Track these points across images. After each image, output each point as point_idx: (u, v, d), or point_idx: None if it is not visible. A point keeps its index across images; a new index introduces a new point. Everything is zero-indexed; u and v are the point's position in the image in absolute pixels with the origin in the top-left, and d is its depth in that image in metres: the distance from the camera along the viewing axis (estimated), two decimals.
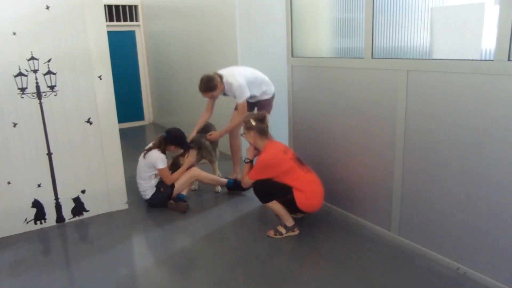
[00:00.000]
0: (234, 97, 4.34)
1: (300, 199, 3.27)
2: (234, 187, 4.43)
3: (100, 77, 3.75)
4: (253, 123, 3.37)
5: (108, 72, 3.80)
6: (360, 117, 3.36)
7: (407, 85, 2.92)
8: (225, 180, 4.43)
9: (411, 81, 2.89)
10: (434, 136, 2.80)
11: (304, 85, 3.93)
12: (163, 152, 4.02)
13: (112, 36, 7.85)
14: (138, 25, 8.23)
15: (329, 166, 3.77)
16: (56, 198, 3.77)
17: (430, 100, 2.79)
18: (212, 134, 4.48)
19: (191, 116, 6.75)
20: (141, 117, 8.66)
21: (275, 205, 3.36)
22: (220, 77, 4.28)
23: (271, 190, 3.33)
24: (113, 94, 3.86)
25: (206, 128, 4.71)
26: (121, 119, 8.26)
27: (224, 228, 3.68)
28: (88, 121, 3.77)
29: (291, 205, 3.34)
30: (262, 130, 3.39)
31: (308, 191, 3.29)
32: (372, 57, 3.17)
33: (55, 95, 3.58)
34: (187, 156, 4.18)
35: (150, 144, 4.07)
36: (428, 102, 2.81)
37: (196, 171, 4.21)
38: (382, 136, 3.19)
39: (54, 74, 3.54)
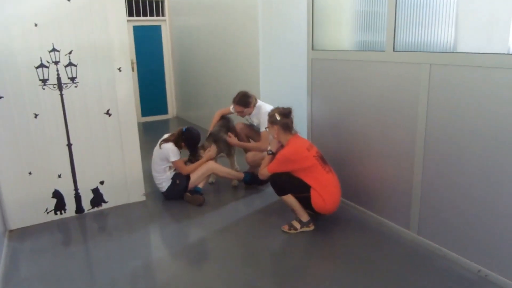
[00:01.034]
0: (257, 124, 4.45)
1: (316, 200, 3.21)
2: (251, 182, 4.40)
3: (119, 69, 3.77)
4: (278, 117, 3.31)
5: (128, 64, 3.81)
6: (380, 112, 3.26)
7: (430, 79, 2.80)
8: (242, 174, 4.40)
9: (434, 75, 2.78)
10: (457, 133, 2.69)
11: (324, 78, 3.85)
12: (178, 145, 4.01)
13: (138, 31, 7.99)
14: (164, 20, 8.29)
15: (347, 162, 3.69)
16: (76, 189, 3.83)
17: (453, 95, 2.67)
18: (233, 139, 4.45)
19: (213, 110, 6.70)
20: (164, 111, 8.73)
21: (290, 199, 3.31)
22: (256, 100, 4.36)
23: (288, 184, 3.28)
24: (132, 86, 3.88)
25: (226, 122, 4.68)
26: (145, 113, 8.47)
27: (239, 222, 3.65)
28: (107, 113, 3.80)
29: (305, 203, 3.28)
30: (286, 125, 3.32)
31: (326, 193, 3.22)
32: (393, 50, 3.07)
33: (76, 87, 3.62)
34: (208, 150, 4.19)
35: (168, 135, 4.08)
36: (451, 98, 2.69)
37: (213, 165, 4.20)
38: (402, 132, 3.09)
39: (75, 66, 3.59)
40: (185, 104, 8.33)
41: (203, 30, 6.88)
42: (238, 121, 4.75)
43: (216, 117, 4.68)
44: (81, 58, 3.60)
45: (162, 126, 8.01)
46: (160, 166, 4.01)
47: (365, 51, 3.38)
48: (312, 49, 3.94)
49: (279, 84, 5.47)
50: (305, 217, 3.35)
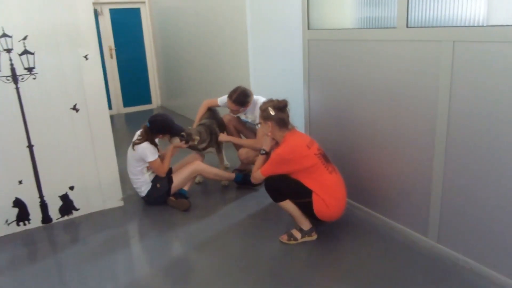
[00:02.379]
0: (252, 120, 3.99)
1: (319, 206, 2.75)
2: (244, 181, 3.93)
3: (86, 57, 3.24)
4: (272, 112, 2.82)
5: (96, 51, 3.28)
6: (391, 100, 2.78)
7: (453, 59, 2.33)
8: (232, 175, 3.91)
9: (458, 54, 2.30)
10: (486, 124, 2.23)
11: (322, 62, 3.36)
12: (152, 143, 3.50)
13: (116, 14, 7.39)
14: (143, 2, 7.67)
15: (353, 159, 3.22)
16: (41, 196, 3.33)
17: (482, 78, 2.21)
18: (224, 135, 3.98)
19: (201, 98, 6.19)
20: (148, 100, 8.17)
21: (289, 205, 2.84)
22: (252, 95, 3.88)
23: (286, 188, 2.81)
24: (102, 76, 3.34)
25: (213, 114, 4.19)
26: (127, 103, 7.92)
27: (230, 230, 3.19)
28: (74, 108, 3.28)
29: (306, 209, 2.82)
30: (282, 121, 2.84)
31: (330, 197, 2.76)
32: (407, 26, 2.58)
33: (34, 79, 3.09)
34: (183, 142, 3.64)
35: (138, 134, 3.55)
36: (479, 81, 2.22)
37: (199, 165, 3.71)
38: (419, 124, 2.62)
39: (32, 54, 3.05)
40: (170, 93, 7.79)
41: (186, 12, 6.31)
42: (224, 113, 4.25)
43: (202, 108, 4.18)
44: (39, 44, 3.06)
45: (146, 117, 7.43)
46: (136, 168, 3.51)
47: (372, 28, 2.89)
48: (308, 28, 3.43)
49: (271, 71, 4.95)
50: (306, 225, 2.89)
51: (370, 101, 2.96)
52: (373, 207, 3.17)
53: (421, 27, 2.53)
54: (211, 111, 4.20)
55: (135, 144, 3.44)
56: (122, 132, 6.87)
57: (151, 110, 8.05)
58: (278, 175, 2.83)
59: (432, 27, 2.46)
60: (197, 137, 3.70)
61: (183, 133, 3.61)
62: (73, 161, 3.37)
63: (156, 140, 3.59)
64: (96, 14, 7.20)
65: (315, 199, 2.75)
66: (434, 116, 2.50)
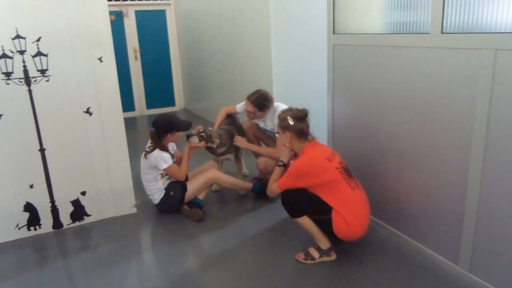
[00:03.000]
0: (271, 128, 3.78)
1: (339, 225, 2.54)
2: (262, 192, 3.74)
3: (100, 59, 3.13)
4: (291, 122, 2.63)
5: (110, 53, 3.17)
6: (422, 112, 2.55)
7: (494, 70, 2.08)
8: (250, 185, 3.74)
9: (501, 64, 2.05)
10: None
11: (348, 69, 3.14)
12: (163, 149, 3.35)
13: (141, 16, 7.36)
14: (169, 4, 7.61)
15: (378, 173, 2.99)
16: (52, 201, 3.24)
17: None
18: (241, 140, 3.77)
19: (224, 102, 6.10)
20: (171, 102, 8.11)
21: (306, 222, 2.64)
22: (272, 101, 3.68)
23: (304, 204, 2.62)
24: (117, 79, 3.24)
25: (234, 121, 4.03)
26: (150, 105, 7.86)
27: (245, 245, 3.01)
28: (88, 111, 3.18)
29: (325, 227, 2.61)
30: (301, 132, 2.65)
31: (351, 215, 2.54)
32: (441, 32, 2.34)
33: (47, 81, 3.01)
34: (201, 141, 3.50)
35: (149, 143, 3.42)
36: None
37: (215, 174, 3.55)
38: (453, 138, 2.38)
39: (45, 55, 2.96)
40: (193, 96, 7.69)
41: (210, 14, 6.19)
42: (244, 119, 4.08)
43: (221, 114, 4.01)
44: (53, 46, 2.97)
45: None
46: (149, 175, 3.39)
47: (402, 34, 2.66)
48: (334, 32, 3.22)
49: (294, 76, 4.75)
50: (325, 244, 2.68)
51: (398, 112, 2.72)
52: (398, 227, 2.93)
53: (458, 33, 2.28)
54: (231, 118, 4.05)
55: (146, 153, 3.31)
56: (144, 134, 6.80)
57: (174, 113, 7.97)
58: (296, 189, 2.64)
59: (470, 33, 2.21)
60: (217, 140, 3.55)
61: (202, 133, 3.47)
62: (85, 165, 3.27)
63: (170, 147, 3.46)
64: (121, 16, 7.18)
65: (334, 216, 2.54)
66: (470, 131, 2.25)
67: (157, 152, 3.28)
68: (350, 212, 2.55)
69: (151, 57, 7.62)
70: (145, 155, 3.33)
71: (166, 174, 3.46)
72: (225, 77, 6.04)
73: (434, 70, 2.42)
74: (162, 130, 3.32)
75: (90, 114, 3.19)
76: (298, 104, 2.80)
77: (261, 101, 3.57)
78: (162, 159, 3.28)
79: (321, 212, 2.58)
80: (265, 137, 3.99)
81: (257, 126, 3.98)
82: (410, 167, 2.71)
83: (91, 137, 3.23)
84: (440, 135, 2.45)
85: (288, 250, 2.86)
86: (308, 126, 2.67)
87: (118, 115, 3.30)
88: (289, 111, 2.68)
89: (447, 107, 2.38)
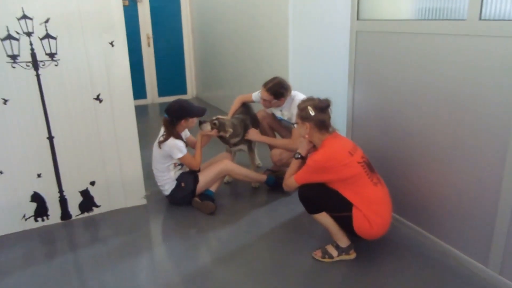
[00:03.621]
0: (288, 118, 3.55)
1: (360, 223, 2.39)
2: (276, 184, 3.60)
3: (112, 44, 3.00)
4: (311, 112, 2.46)
5: (123, 37, 3.03)
6: (454, 105, 2.37)
7: None
8: (264, 177, 3.60)
9: None
10: None
11: (372, 57, 2.96)
12: (178, 137, 3.22)
13: (155, 2, 7.18)
14: None
15: (402, 169, 2.83)
16: (60, 191, 3.14)
17: None
18: (253, 133, 3.60)
19: (236, 91, 5.94)
20: (183, 90, 7.95)
21: (325, 219, 2.50)
22: (289, 90, 3.48)
23: (323, 199, 2.47)
24: (128, 64, 3.10)
25: (249, 110, 3.88)
26: (162, 93, 7.72)
27: (258, 240, 2.87)
28: (98, 98, 3.06)
29: (345, 224, 2.47)
30: (322, 123, 2.48)
31: (373, 213, 2.39)
32: (480, 19, 2.16)
33: (56, 65, 2.88)
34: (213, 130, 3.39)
35: (162, 131, 3.28)
36: None
37: (228, 164, 3.40)
38: (487, 135, 2.20)
39: (54, 38, 2.83)
40: (206, 84, 7.54)
41: (226, 0, 6.01)
42: (259, 108, 3.93)
43: (236, 103, 3.86)
44: (62, 28, 2.84)
45: None
46: (162, 164, 3.26)
47: (435, 20, 2.47)
48: (358, 18, 3.04)
49: (312, 65, 4.57)
50: (344, 242, 2.54)
51: (426, 105, 2.55)
52: (422, 226, 2.77)
53: (498, 20, 2.10)
54: (245, 107, 3.89)
55: (160, 142, 3.18)
56: (155, 122, 6.68)
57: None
58: (314, 184, 2.49)
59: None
60: (230, 129, 3.42)
61: (215, 121, 3.34)
62: (94, 155, 3.16)
63: (183, 134, 3.33)
64: (135, 1, 7.03)
65: (355, 214, 2.39)
66: (508, 127, 2.08)
67: (171, 141, 3.15)
68: (372, 210, 2.40)
69: (164, 44, 7.46)
70: (159, 144, 3.20)
71: (180, 164, 3.33)
72: (239, 66, 5.87)
73: (470, 60, 2.23)
74: (176, 116, 3.19)
75: (100, 101, 3.07)
76: (316, 94, 2.63)
77: (277, 89, 3.40)
78: (177, 148, 3.15)
79: (341, 209, 2.43)
80: (281, 128, 3.84)
81: (272, 116, 3.82)
82: (437, 162, 2.54)
83: (101, 125, 3.11)
84: (472, 131, 2.28)
85: (305, 247, 2.72)
86: (329, 117, 2.50)
87: (129, 103, 3.17)
88: (310, 100, 2.52)
89: (482, 101, 2.20)
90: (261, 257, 2.69)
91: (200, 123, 3.34)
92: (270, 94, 3.41)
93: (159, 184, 3.36)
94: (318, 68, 4.57)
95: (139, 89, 7.37)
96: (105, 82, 3.04)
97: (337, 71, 4.29)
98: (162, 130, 3.25)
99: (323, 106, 2.46)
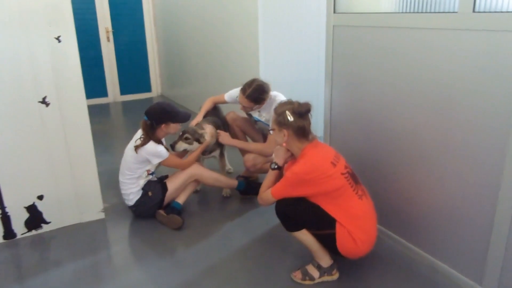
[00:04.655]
0: (266, 120, 3.29)
1: (344, 241, 2.14)
2: (248, 191, 3.32)
3: (58, 39, 2.61)
4: (290, 117, 2.18)
5: (71, 31, 2.65)
6: (443, 106, 2.15)
7: None
8: (235, 182, 3.31)
9: None
10: None
11: (351, 54, 2.71)
12: (158, 140, 2.90)
13: None
14: None
15: (386, 176, 2.60)
16: (2, 207, 2.74)
17: None
18: (224, 136, 3.30)
19: (205, 87, 5.63)
20: (147, 88, 7.53)
21: (305, 237, 2.23)
22: (269, 91, 3.18)
23: (302, 216, 2.20)
24: (79, 61, 2.72)
25: (217, 112, 3.58)
26: (124, 91, 7.27)
27: (230, 259, 2.58)
28: (44, 101, 2.67)
29: (327, 242, 2.21)
30: (301, 130, 2.20)
31: (358, 229, 2.14)
32: (473, 11, 1.93)
33: None
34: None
35: (138, 134, 2.93)
36: None
37: (197, 169, 3.09)
38: (482, 138, 1.99)
39: None
40: (171, 81, 7.15)
41: None
42: (229, 109, 3.63)
43: (207, 104, 3.52)
44: (0, 20, 2.45)
45: (145, 107, 6.82)
46: (134, 170, 2.92)
47: (422, 13, 2.24)
48: (334, 11, 2.78)
49: (285, 63, 4.30)
50: (326, 261, 2.29)
51: (413, 106, 2.32)
52: (410, 239, 2.55)
53: (494, 12, 1.88)
54: (214, 108, 3.58)
55: (137, 147, 2.84)
56: (118, 122, 6.28)
57: (150, 99, 7.43)
58: (293, 198, 2.21)
59: (509, 12, 1.81)
60: (207, 138, 3.13)
61: (186, 135, 3.03)
62: (42, 165, 2.77)
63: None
64: None
65: (339, 231, 2.14)
66: (507, 131, 1.87)
67: (151, 145, 2.83)
68: (357, 225, 2.15)
69: (125, 39, 7.01)
70: (135, 149, 2.85)
71: (152, 173, 3.01)
72: (207, 62, 5.52)
73: (462, 57, 2.01)
74: (156, 119, 2.86)
75: (47, 104, 2.68)
76: (289, 94, 2.36)
77: (257, 95, 3.10)
78: (157, 154, 2.86)
79: (323, 226, 2.17)
80: (252, 131, 3.55)
81: (243, 118, 3.53)
82: (425, 168, 2.32)
83: (48, 131, 2.73)
84: (465, 134, 2.06)
85: (282, 266, 2.46)
86: (309, 123, 2.23)
87: (81, 105, 2.80)
88: (289, 104, 2.23)
89: (476, 101, 1.98)
90: (234, 280, 2.40)
91: (172, 146, 3.02)
92: (250, 101, 3.12)
93: (123, 192, 3.00)
94: (292, 65, 4.31)
95: (99, 87, 6.92)
96: (52, 83, 2.66)
97: (312, 69, 4.04)
98: (138, 133, 2.92)
99: (302, 111, 2.18)
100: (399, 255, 2.54)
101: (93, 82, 6.76)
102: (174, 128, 2.93)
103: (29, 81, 2.59)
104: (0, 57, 2.48)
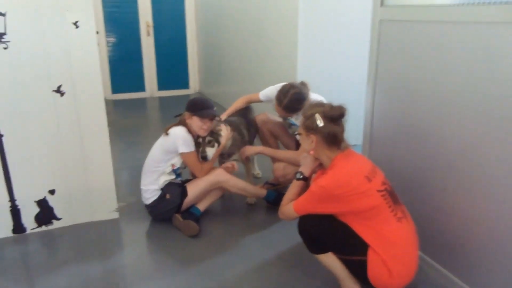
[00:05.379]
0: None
1: (377, 271, 1.80)
2: (277, 202, 3.01)
3: (76, 24, 2.43)
4: (320, 122, 1.87)
5: (90, 17, 2.46)
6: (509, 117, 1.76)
7: None
8: (264, 192, 3.01)
9: None
10: None
11: (399, 53, 2.35)
12: (188, 130, 2.72)
13: None
14: None
15: (431, 197, 2.21)
16: (12, 200, 2.60)
17: None
18: (249, 149, 3.04)
19: (243, 86, 5.41)
20: (185, 85, 7.40)
21: (331, 261, 1.92)
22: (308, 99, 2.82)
23: (329, 236, 1.88)
24: (97, 50, 2.54)
25: (247, 112, 3.31)
26: (162, 87, 7.16)
27: (247, 279, 2.28)
28: (59, 90, 2.50)
29: (356, 270, 1.89)
30: (332, 137, 1.89)
31: (395, 259, 1.80)
32: None
33: (5, 48, 2.33)
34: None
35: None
36: None
37: (221, 175, 2.82)
38: None
39: (3, 15, 2.28)
40: (210, 78, 6.96)
41: None
42: (260, 111, 3.35)
43: (238, 103, 3.26)
44: (13, 3, 2.28)
45: (183, 103, 6.69)
46: (159, 161, 2.72)
47: (487, 4, 1.86)
48: (382, 4, 2.44)
49: (325, 62, 3.96)
50: None
51: (472, 115, 1.93)
52: (454, 270, 2.15)
53: None
54: (245, 108, 3.30)
55: (168, 128, 2.71)
56: (152, 117, 6.17)
57: (187, 96, 7.28)
58: (319, 215, 1.90)
59: None
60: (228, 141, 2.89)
61: (209, 139, 2.79)
62: (55, 158, 2.61)
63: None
64: None
65: (371, 258, 1.80)
66: None
67: (182, 129, 2.68)
68: (394, 254, 1.80)
69: (166, 34, 6.91)
70: (165, 131, 2.71)
71: (176, 171, 2.78)
72: (245, 61, 5.28)
73: None
74: (186, 107, 2.75)
75: (62, 94, 2.51)
76: (327, 97, 2.05)
77: (294, 106, 2.76)
78: (185, 139, 2.67)
79: (352, 251, 1.85)
80: (285, 136, 3.24)
81: (275, 121, 3.23)
82: (479, 190, 1.92)
83: (62, 122, 2.56)
84: None
85: None
86: (343, 130, 1.91)
87: (97, 96, 2.61)
88: (319, 107, 1.91)
89: None
90: None
91: (203, 158, 2.78)
92: (287, 112, 2.83)
93: (142, 188, 2.80)
94: (331, 66, 3.97)
95: (137, 81, 6.86)
96: (68, 71, 2.48)
97: (354, 70, 3.69)
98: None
99: (335, 115, 1.86)
100: (438, 286, 2.16)
101: (131, 77, 6.71)
102: (196, 123, 2.70)
103: (44, 68, 2.42)
104: (13, 41, 2.33)
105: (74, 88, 2.52)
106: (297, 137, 2.03)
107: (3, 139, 2.46)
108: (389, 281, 1.82)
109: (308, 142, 1.93)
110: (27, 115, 2.47)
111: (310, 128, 1.89)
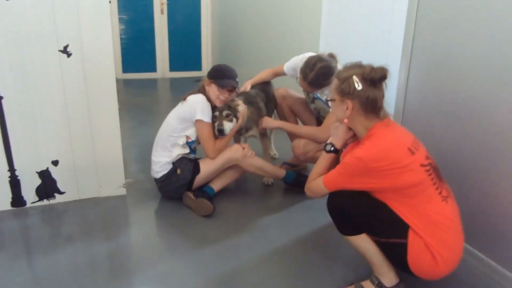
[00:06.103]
0: (326, 99, 2.69)
1: (418, 255, 1.56)
2: (296, 184, 2.80)
3: None
4: (358, 85, 1.62)
5: None
6: None
7: None
8: (283, 172, 2.79)
9: None
10: None
11: (440, 25, 2.11)
12: (208, 99, 2.53)
13: None
14: None
15: (473, 178, 1.98)
16: (11, 170, 2.41)
17: None
18: (267, 121, 2.83)
19: (257, 71, 5.14)
20: (198, 66, 7.17)
21: (365, 244, 1.69)
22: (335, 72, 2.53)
23: (364, 215, 1.65)
24: (108, 10, 2.32)
25: (266, 86, 3.08)
26: (174, 67, 6.92)
27: (261, 262, 2.06)
28: (65, 51, 2.29)
29: (393, 255, 1.66)
30: (372, 103, 1.64)
31: (440, 242, 1.56)
32: None
33: (6, 0, 2.12)
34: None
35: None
36: None
37: (238, 151, 2.57)
38: None
39: None
40: (223, 61, 6.70)
41: None
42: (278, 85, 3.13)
43: (263, 75, 3.08)
44: None
45: (193, 85, 6.47)
46: (171, 132, 2.52)
47: None
48: None
49: (350, 37, 3.70)
50: (390, 280, 1.72)
51: None
52: (499, 259, 1.92)
53: None
54: (264, 82, 3.09)
55: (186, 95, 2.53)
56: (162, 97, 6.00)
57: (199, 78, 7.07)
58: (352, 191, 1.67)
59: None
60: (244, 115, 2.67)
61: (226, 111, 2.56)
62: (59, 125, 2.41)
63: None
64: None
65: (413, 241, 1.57)
66: None
67: (201, 96, 2.49)
68: (439, 237, 1.57)
69: (180, 13, 6.69)
70: (184, 97, 2.54)
71: (190, 145, 2.57)
72: (262, 45, 5.06)
73: None
74: (209, 74, 2.60)
75: (69, 54, 2.30)
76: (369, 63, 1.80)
77: (320, 81, 2.51)
78: (203, 107, 2.47)
79: (390, 232, 1.61)
80: (305, 112, 3.00)
81: (295, 97, 3.00)
82: None
83: (68, 86, 2.35)
84: None
85: (329, 278, 1.92)
86: (383, 96, 1.66)
87: (108, 61, 2.39)
88: (358, 68, 1.67)
89: None
90: None
91: (219, 131, 2.53)
92: (312, 87, 2.59)
93: (153, 159, 2.59)
94: (358, 40, 3.69)
95: (148, 61, 6.67)
96: (76, 30, 2.27)
97: (384, 42, 3.42)
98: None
99: (376, 78, 1.62)
100: (482, 278, 1.93)
101: (143, 56, 6.51)
102: (213, 91, 2.51)
103: (50, 25, 2.21)
104: None
105: (82, 50, 2.31)
106: (329, 104, 1.80)
107: (3, 101, 2.26)
108: (432, 268, 1.58)
109: (342, 109, 1.69)
110: (29, 76, 2.26)
111: (346, 92, 1.65)
